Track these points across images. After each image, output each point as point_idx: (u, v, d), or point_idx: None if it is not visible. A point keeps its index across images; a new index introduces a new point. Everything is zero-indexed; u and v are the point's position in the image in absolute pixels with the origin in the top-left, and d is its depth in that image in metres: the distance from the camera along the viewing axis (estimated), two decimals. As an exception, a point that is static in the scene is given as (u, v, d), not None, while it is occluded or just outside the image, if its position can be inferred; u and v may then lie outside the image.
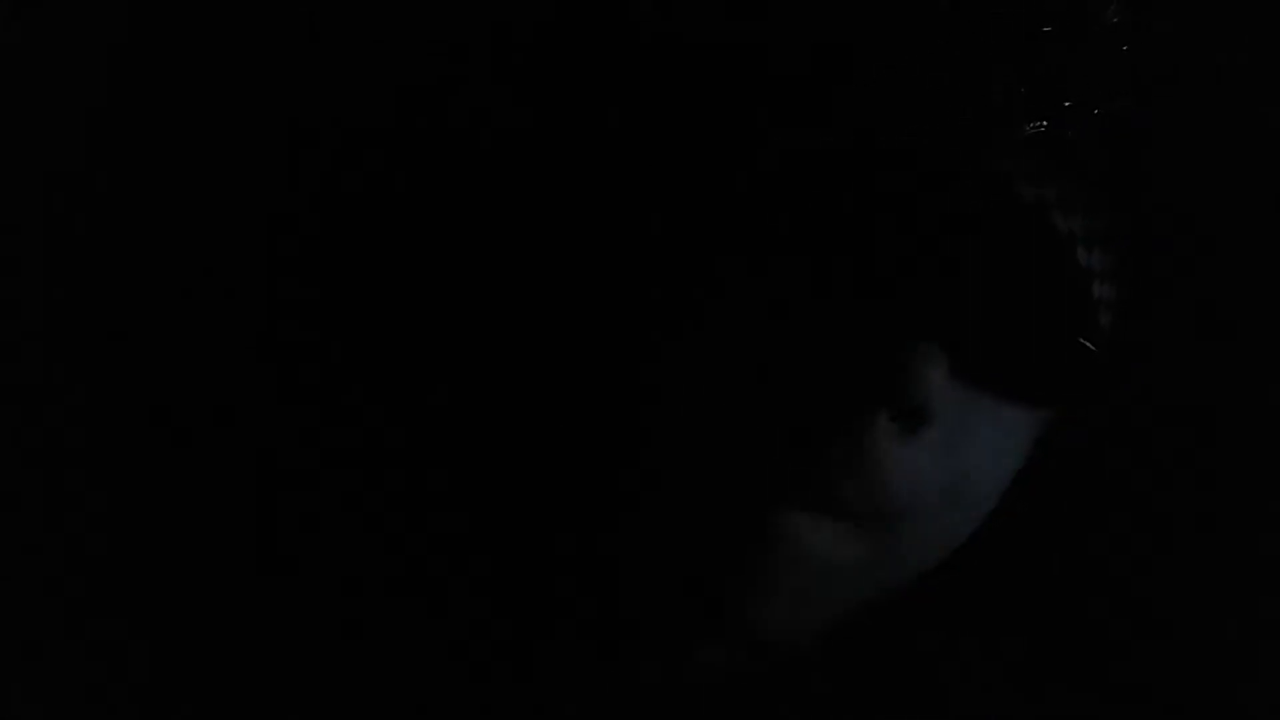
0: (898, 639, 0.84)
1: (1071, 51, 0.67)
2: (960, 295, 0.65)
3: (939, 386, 0.65)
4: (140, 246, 0.89)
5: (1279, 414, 0.82)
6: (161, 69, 0.89)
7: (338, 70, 0.88)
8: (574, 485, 0.81)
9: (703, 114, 0.74)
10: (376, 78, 0.88)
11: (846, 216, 0.66)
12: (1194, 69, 0.73)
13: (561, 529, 0.81)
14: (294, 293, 0.87)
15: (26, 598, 0.85)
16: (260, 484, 0.86)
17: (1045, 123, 0.66)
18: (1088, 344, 0.67)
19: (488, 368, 0.84)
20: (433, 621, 0.83)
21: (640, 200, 0.77)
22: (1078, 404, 0.71)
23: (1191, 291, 0.77)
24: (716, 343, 0.72)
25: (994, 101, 0.66)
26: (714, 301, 0.72)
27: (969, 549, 0.80)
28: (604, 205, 0.80)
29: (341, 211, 0.87)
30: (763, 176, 0.70)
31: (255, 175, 0.89)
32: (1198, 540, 0.86)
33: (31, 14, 0.90)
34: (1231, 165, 0.77)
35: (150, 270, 0.88)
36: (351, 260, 0.87)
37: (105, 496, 0.86)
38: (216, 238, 0.89)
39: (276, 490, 0.86)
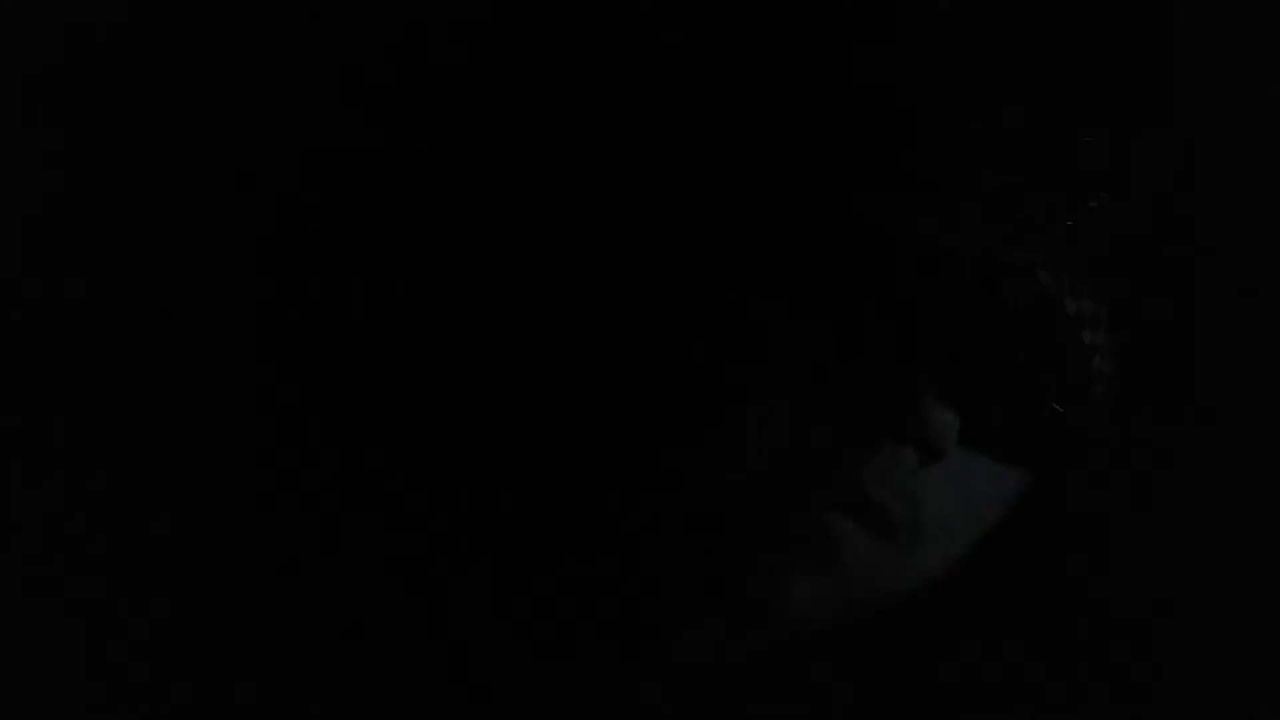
0: (903, 644, 0.87)
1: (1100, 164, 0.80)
2: (976, 356, 0.79)
3: (952, 430, 0.79)
4: (123, 242, 0.88)
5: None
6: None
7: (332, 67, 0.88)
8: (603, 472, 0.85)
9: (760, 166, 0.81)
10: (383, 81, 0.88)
11: (883, 289, 0.79)
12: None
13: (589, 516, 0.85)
14: (295, 293, 0.87)
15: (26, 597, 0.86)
16: (264, 483, 0.86)
17: (1070, 222, 0.79)
18: (1059, 408, 0.82)
19: (528, 366, 0.86)
20: (457, 615, 0.85)
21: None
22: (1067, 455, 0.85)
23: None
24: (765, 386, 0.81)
25: (1026, 207, 0.79)
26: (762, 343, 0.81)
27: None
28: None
29: (352, 219, 0.87)
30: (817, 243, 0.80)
31: (248, 166, 0.89)
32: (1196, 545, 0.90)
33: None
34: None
35: (135, 266, 0.88)
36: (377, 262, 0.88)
37: (104, 496, 0.86)
38: (204, 233, 0.89)
39: (282, 487, 0.86)
